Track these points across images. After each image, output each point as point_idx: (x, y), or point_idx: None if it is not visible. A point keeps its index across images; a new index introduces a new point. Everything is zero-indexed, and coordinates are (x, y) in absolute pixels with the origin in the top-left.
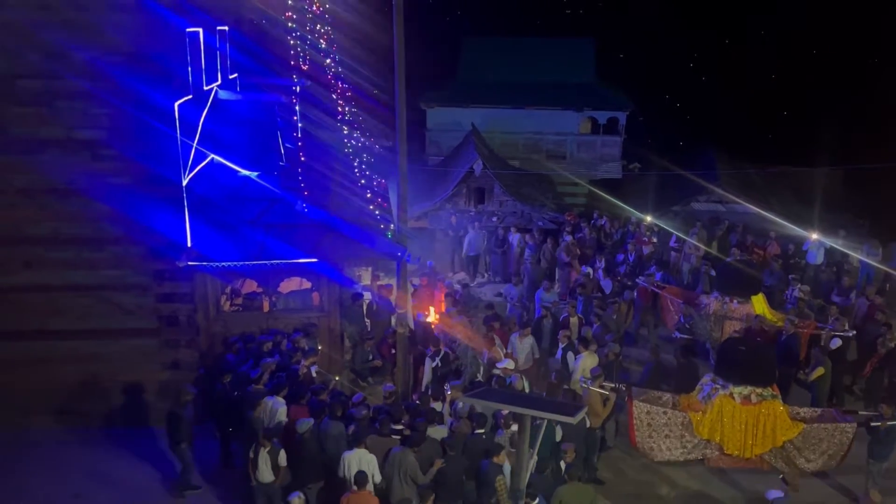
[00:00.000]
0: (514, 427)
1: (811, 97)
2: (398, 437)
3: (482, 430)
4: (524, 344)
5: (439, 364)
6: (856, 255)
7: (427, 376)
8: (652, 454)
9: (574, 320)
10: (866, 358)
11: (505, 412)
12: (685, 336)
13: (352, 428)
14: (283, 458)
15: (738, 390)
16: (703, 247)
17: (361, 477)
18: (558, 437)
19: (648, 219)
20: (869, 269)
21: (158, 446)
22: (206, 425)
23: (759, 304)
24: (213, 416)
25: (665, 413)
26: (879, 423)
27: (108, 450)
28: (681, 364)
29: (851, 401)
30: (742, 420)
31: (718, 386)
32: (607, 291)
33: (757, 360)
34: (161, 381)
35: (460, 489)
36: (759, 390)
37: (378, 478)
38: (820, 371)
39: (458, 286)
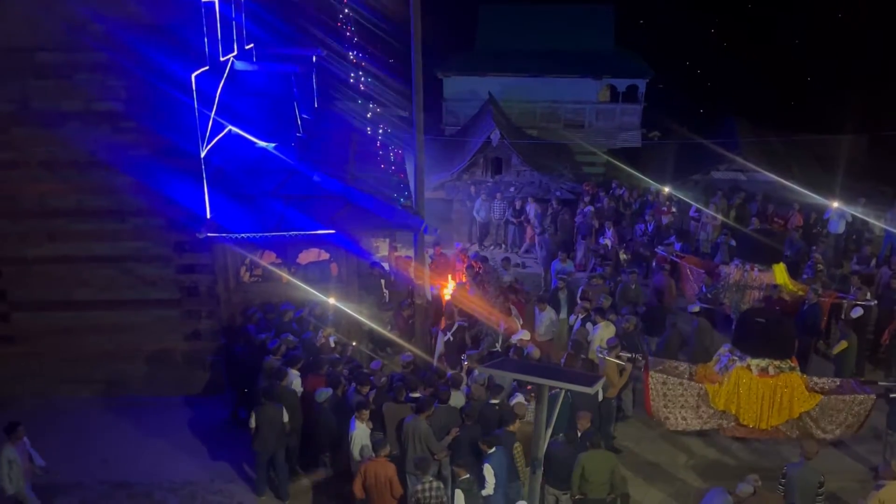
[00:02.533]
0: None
1: (835, 63)
2: (413, 405)
3: (496, 401)
4: (543, 316)
5: (451, 338)
6: (879, 224)
7: (439, 349)
8: (667, 424)
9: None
10: (886, 326)
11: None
12: (706, 306)
13: (372, 394)
14: (252, 420)
15: (755, 362)
16: (720, 217)
17: (379, 441)
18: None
19: (668, 188)
20: (893, 239)
21: (180, 414)
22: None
23: (780, 273)
24: (231, 379)
25: (681, 384)
26: None
27: (132, 417)
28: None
29: (870, 370)
30: (759, 392)
31: (736, 357)
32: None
33: (775, 333)
34: (182, 350)
35: (474, 455)
36: (776, 363)
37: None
38: (843, 345)
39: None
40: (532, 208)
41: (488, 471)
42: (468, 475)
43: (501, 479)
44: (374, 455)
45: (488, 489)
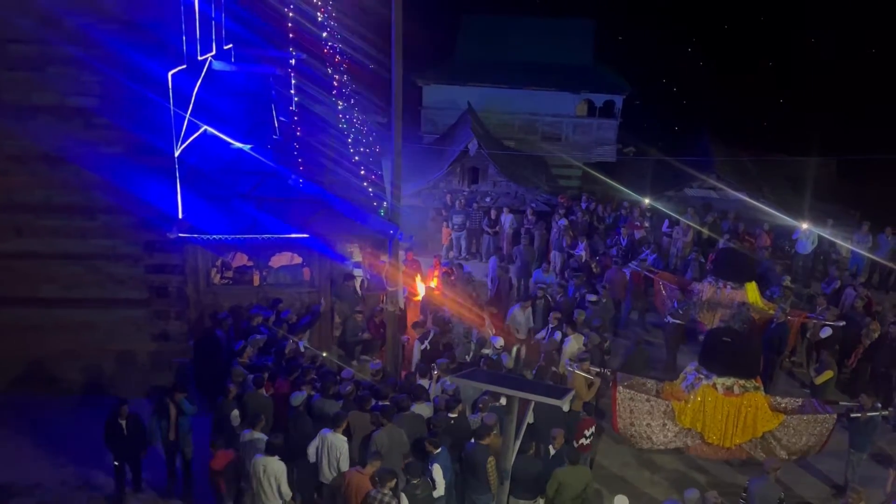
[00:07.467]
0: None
1: (809, 86)
2: (379, 413)
3: (454, 415)
4: (524, 315)
5: (428, 347)
6: (845, 245)
7: (416, 356)
8: (633, 441)
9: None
10: (851, 348)
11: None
12: (677, 321)
13: (341, 403)
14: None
15: (721, 381)
16: (695, 227)
17: (373, 455)
18: (531, 419)
19: (647, 201)
20: (859, 260)
21: (145, 416)
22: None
23: (752, 291)
24: (199, 381)
25: (648, 400)
26: (860, 415)
27: (95, 418)
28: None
29: (834, 391)
30: (724, 410)
31: (702, 376)
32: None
33: (741, 353)
34: (150, 351)
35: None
36: (742, 382)
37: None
38: (828, 374)
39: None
40: (507, 219)
41: (437, 471)
42: (417, 479)
43: (449, 479)
44: (360, 468)
45: (439, 490)
